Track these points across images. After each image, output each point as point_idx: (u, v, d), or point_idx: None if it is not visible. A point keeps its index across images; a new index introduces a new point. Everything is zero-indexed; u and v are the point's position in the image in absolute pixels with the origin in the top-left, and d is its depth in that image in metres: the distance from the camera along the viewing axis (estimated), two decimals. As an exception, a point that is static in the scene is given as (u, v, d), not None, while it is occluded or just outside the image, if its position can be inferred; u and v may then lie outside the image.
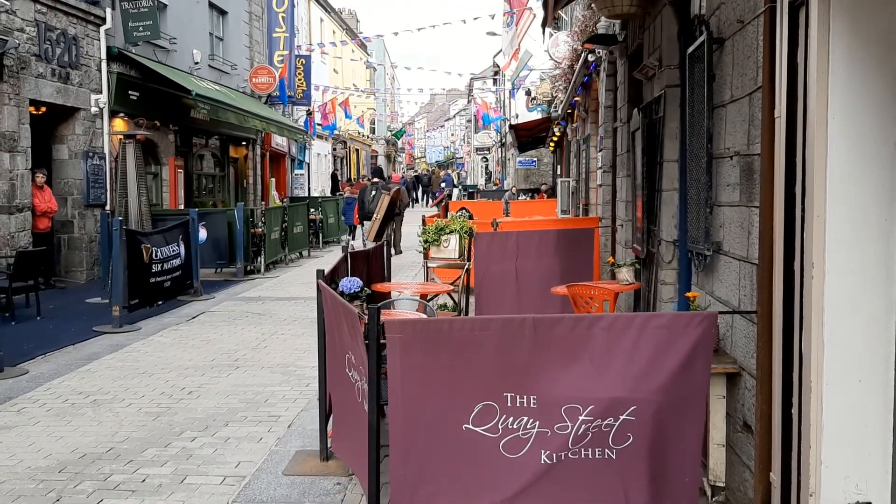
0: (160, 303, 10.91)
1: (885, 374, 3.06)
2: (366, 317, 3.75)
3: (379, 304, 4.63)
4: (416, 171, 62.67)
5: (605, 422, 3.42)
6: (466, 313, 8.67)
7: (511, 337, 3.47)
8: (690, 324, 3.44)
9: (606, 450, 3.45)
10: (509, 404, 3.46)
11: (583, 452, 3.45)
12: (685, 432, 3.50)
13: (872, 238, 3.02)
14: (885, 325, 3.05)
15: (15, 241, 11.67)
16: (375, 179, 17.66)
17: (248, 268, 14.88)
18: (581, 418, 3.40)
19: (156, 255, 10.66)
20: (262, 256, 15.21)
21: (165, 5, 16.91)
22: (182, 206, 17.42)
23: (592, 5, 8.74)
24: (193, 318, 10.54)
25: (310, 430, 5.67)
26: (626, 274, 6.98)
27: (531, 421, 3.45)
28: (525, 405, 3.46)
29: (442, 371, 3.50)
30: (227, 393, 6.82)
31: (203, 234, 12.86)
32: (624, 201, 8.80)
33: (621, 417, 3.41)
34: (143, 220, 12.16)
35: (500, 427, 3.47)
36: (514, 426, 3.46)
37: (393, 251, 13.75)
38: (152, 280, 10.59)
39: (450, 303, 8.87)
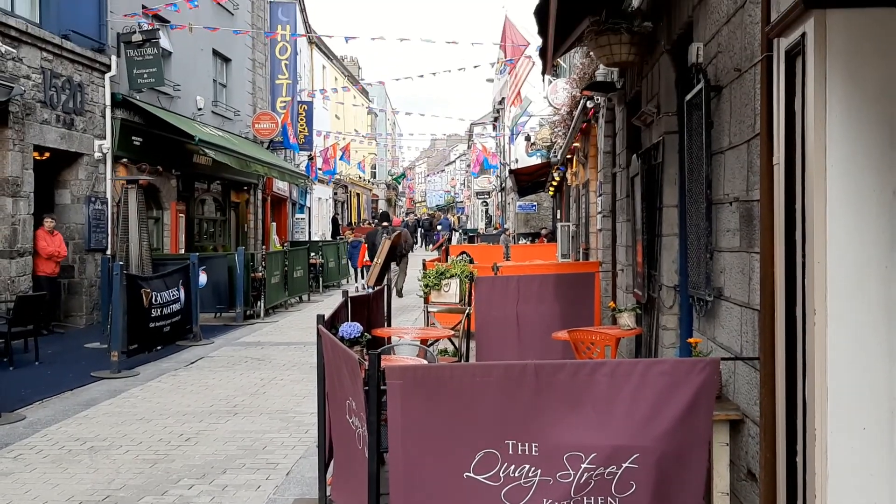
0: (159, 348, 10.87)
1: (889, 421, 3.04)
2: (366, 363, 3.73)
3: (379, 350, 4.61)
4: (415, 215, 62.85)
5: (608, 470, 3.37)
6: (467, 358, 8.63)
7: (513, 383, 3.45)
8: (693, 370, 3.42)
9: (609, 498, 3.40)
10: (511, 452, 3.42)
11: (585, 501, 3.40)
12: (688, 480, 3.46)
13: (873, 284, 3.02)
14: (889, 372, 3.03)
15: (15, 286, 11.67)
16: (385, 223, 18.01)
17: (248, 312, 14.86)
18: (583, 466, 3.36)
19: (155, 300, 10.64)
20: (262, 301, 15.19)
21: (170, 53, 17.16)
22: (183, 251, 17.45)
23: (591, 53, 8.86)
24: (192, 363, 10.49)
25: (308, 477, 5.61)
26: (627, 319, 6.95)
27: (533, 469, 3.40)
28: (527, 453, 3.42)
29: (443, 418, 3.47)
30: (226, 440, 6.76)
31: (203, 278, 12.86)
32: (624, 246, 8.81)
33: (624, 465, 3.37)
34: (143, 265, 12.16)
35: (501, 475, 3.43)
36: (516, 474, 3.42)
37: (395, 294, 13.75)
38: (151, 325, 10.56)
39: (450, 348, 8.83)
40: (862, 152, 3.01)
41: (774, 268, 3.47)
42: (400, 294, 16.18)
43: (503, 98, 26.45)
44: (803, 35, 3.10)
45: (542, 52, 7.85)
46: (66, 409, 7.90)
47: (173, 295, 11.20)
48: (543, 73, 8.79)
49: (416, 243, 38.29)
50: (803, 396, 3.17)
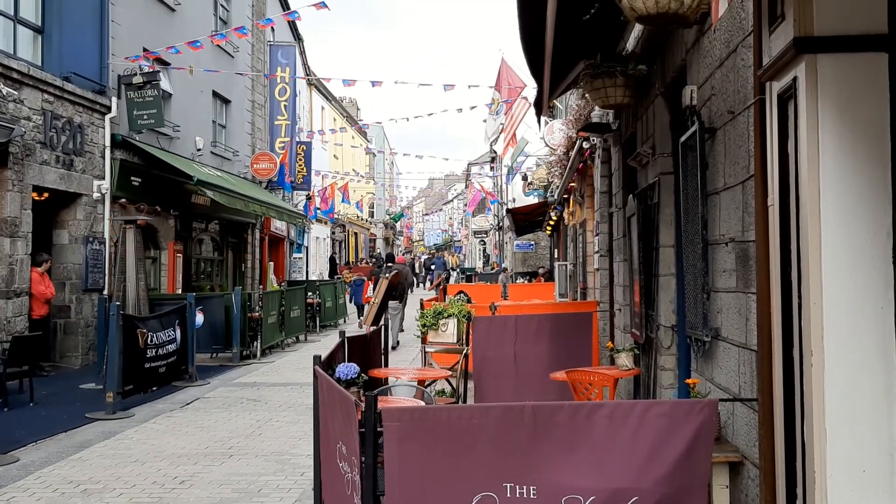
0: (154, 388, 10.78)
1: (889, 463, 3.02)
2: (363, 404, 3.70)
3: (376, 391, 4.58)
4: (412, 255, 62.93)
5: (607, 513, 3.34)
6: (465, 399, 8.57)
7: (511, 425, 3.42)
8: (691, 412, 3.40)
9: (608, 542, 3.36)
10: (509, 495, 3.39)
11: (585, 545, 3.36)
12: (688, 523, 3.41)
13: (869, 325, 3.03)
14: (888, 414, 3.02)
15: (11, 326, 11.62)
16: (390, 263, 18.56)
17: (245, 353, 14.78)
18: (582, 510, 3.33)
19: (151, 341, 10.60)
20: (259, 341, 15.12)
21: (170, 94, 17.32)
22: (180, 291, 17.41)
23: (586, 95, 8.96)
24: (188, 404, 10.40)
25: (304, 521, 5.53)
26: (625, 359, 6.94)
27: (531, 512, 3.37)
28: (525, 496, 3.38)
29: (440, 461, 3.44)
30: (220, 482, 6.68)
31: (200, 318, 12.81)
32: (621, 286, 8.82)
33: (623, 509, 3.34)
34: (140, 305, 12.13)
35: (499, 519, 3.39)
36: (514, 518, 3.38)
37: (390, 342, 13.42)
38: (147, 365, 10.50)
39: (448, 389, 8.78)
40: (855, 194, 3.04)
41: (771, 308, 3.48)
42: (395, 346, 15.39)
43: (499, 138, 26.69)
44: (795, 79, 3.15)
45: (538, 101, 7.95)
46: (60, 451, 7.81)
47: (169, 335, 11.15)
48: (539, 114, 8.86)
49: (415, 283, 38.25)
50: (802, 438, 3.16)
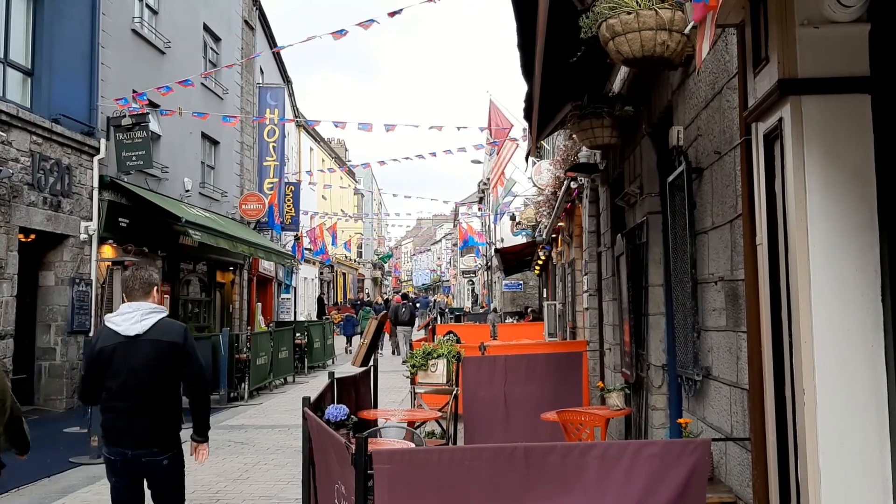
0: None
1: (883, 501, 3.00)
2: (353, 447, 3.66)
3: (366, 433, 4.53)
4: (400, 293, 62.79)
5: (601, 557, 3.29)
6: (455, 441, 8.49)
7: (502, 466, 3.39)
8: (684, 452, 3.38)
9: (603, 587, 3.31)
10: (501, 538, 3.34)
11: (578, 590, 3.31)
12: (683, 567, 3.37)
13: (861, 363, 3.03)
14: (880, 453, 3.01)
15: (-5, 369, 11.47)
16: (405, 301, 21.65)
17: (232, 394, 14.61)
18: (575, 553, 3.28)
19: (138, 383, 10.45)
20: (246, 383, 14.97)
21: (159, 136, 17.37)
22: (167, 332, 17.24)
23: (574, 136, 9.05)
24: (174, 447, 10.24)
25: (293, 567, 5.42)
26: (616, 399, 6.90)
27: (524, 556, 3.32)
28: (518, 539, 3.33)
29: (431, 503, 3.40)
30: (207, 528, 6.55)
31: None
32: (611, 325, 8.82)
33: (617, 552, 3.29)
34: (126, 347, 12.00)
35: (491, 563, 3.33)
36: (507, 562, 3.33)
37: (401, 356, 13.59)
38: (133, 408, 10.34)
39: (438, 430, 8.70)
40: (843, 232, 3.06)
41: (762, 347, 3.48)
42: (405, 361, 15.76)
43: (488, 178, 26.88)
44: (780, 120, 3.19)
45: (528, 136, 8.03)
46: (42, 497, 7.66)
47: (156, 377, 11.01)
48: (527, 157, 8.95)
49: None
50: (797, 477, 3.14)
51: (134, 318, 4.66)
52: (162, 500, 4.98)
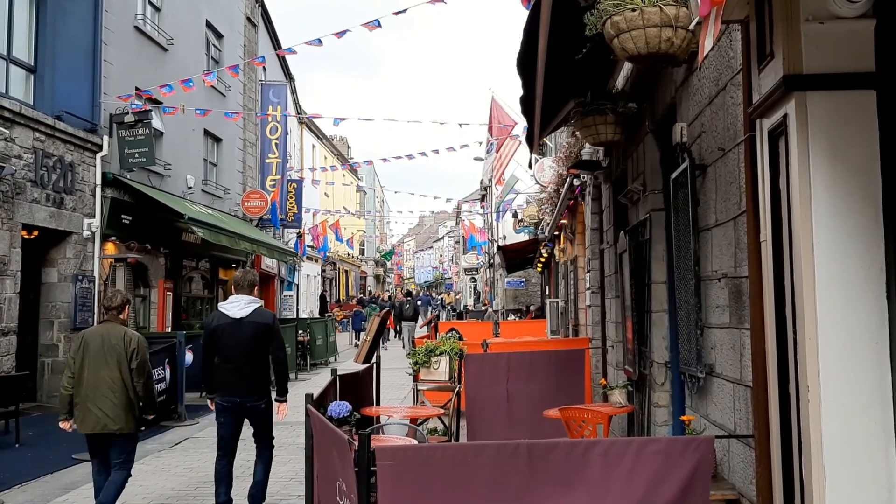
0: (143, 428, 10.62)
1: (888, 499, 2.99)
2: (355, 443, 3.66)
3: (368, 430, 4.53)
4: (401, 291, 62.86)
5: (604, 554, 3.28)
6: (457, 438, 8.49)
7: (505, 464, 3.38)
8: (687, 449, 3.37)
9: (606, 584, 3.30)
10: (504, 534, 3.33)
11: (581, 587, 3.30)
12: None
13: (865, 361, 3.02)
14: (885, 450, 3.00)
15: (-2, 366, 11.50)
16: (409, 297, 22.71)
17: (235, 391, 14.60)
18: (579, 550, 3.28)
19: (141, 380, 10.46)
20: (249, 379, 14.95)
21: (162, 133, 17.37)
22: (170, 329, 17.29)
23: (576, 133, 9.04)
24: (176, 444, 10.26)
25: (295, 564, 5.43)
26: (618, 396, 6.89)
27: (527, 553, 3.31)
28: (520, 536, 3.33)
29: (434, 500, 3.39)
30: (210, 524, 6.56)
31: (190, 357, 12.69)
32: (614, 322, 8.80)
33: (620, 549, 3.29)
34: (129, 344, 12.01)
35: (494, 560, 3.33)
36: (510, 558, 3.32)
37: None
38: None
39: (440, 427, 8.70)
40: (848, 229, 3.05)
41: (766, 344, 3.47)
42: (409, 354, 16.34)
43: (491, 176, 26.91)
44: (785, 116, 3.18)
45: (528, 137, 8.02)
46: (45, 494, 7.67)
47: (158, 374, 11.03)
48: (531, 152, 8.94)
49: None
50: (801, 475, 3.13)
51: (239, 305, 6.49)
52: (260, 432, 6.84)
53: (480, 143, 20.89)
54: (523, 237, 26.32)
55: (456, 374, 8.76)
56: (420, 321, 26.44)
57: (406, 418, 7.38)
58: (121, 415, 6.14)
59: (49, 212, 13.10)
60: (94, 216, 14.39)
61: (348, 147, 53.97)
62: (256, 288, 6.68)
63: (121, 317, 6.54)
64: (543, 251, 21.86)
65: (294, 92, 30.89)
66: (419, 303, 39.18)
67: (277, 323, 6.73)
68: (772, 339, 3.38)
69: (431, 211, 74.56)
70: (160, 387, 11.04)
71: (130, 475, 6.42)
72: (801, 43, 3.08)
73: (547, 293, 25.42)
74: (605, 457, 3.38)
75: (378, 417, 7.52)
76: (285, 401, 6.82)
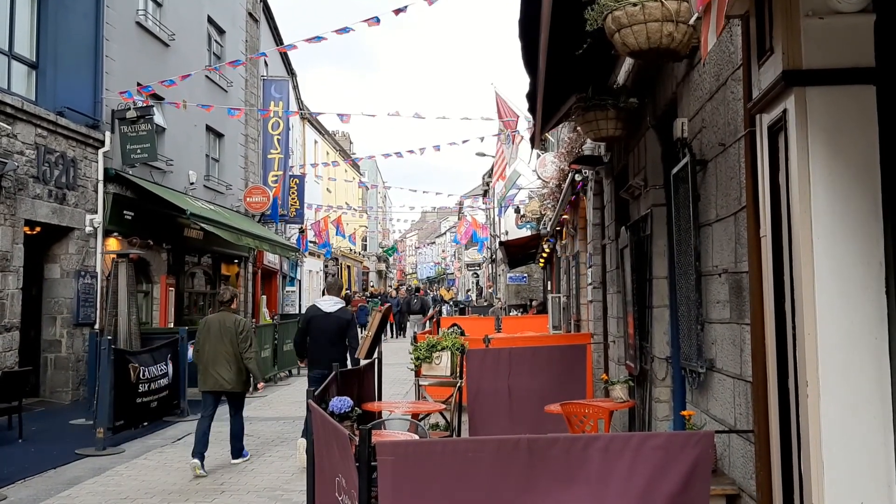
0: (146, 424, 10.67)
1: (888, 494, 3.00)
2: (356, 438, 3.67)
3: (370, 425, 4.54)
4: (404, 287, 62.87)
5: (604, 549, 3.29)
6: (459, 433, 8.50)
7: (506, 459, 3.39)
8: (687, 444, 3.38)
9: (606, 579, 3.31)
10: (504, 529, 3.34)
11: (581, 581, 3.31)
12: (686, 559, 3.37)
13: (864, 356, 3.03)
14: (885, 444, 3.01)
15: (1, 361, 11.52)
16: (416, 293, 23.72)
17: (237, 387, 14.64)
18: (579, 545, 3.28)
19: (143, 375, 10.51)
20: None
21: (164, 129, 17.38)
22: (172, 325, 17.31)
23: (578, 128, 9.03)
24: (179, 439, 10.29)
25: (297, 558, 5.45)
26: (619, 391, 6.91)
27: (527, 548, 3.32)
28: (521, 530, 3.33)
29: (435, 495, 3.40)
30: (212, 519, 6.59)
31: (192, 352, 12.70)
32: (615, 317, 8.81)
33: (620, 544, 3.30)
34: (132, 339, 12.05)
35: (494, 554, 3.34)
36: (510, 553, 3.33)
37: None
38: (139, 400, 10.40)
39: (442, 422, 8.71)
40: (847, 224, 3.05)
41: (766, 339, 3.47)
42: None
43: (493, 171, 26.90)
44: (785, 111, 3.18)
45: (532, 139, 8.02)
46: (48, 489, 7.70)
47: (161, 369, 11.07)
48: (532, 148, 8.95)
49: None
50: (800, 470, 3.14)
51: (330, 303, 9.12)
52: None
53: (482, 138, 20.87)
54: (525, 232, 26.33)
55: (458, 370, 8.77)
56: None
57: (407, 413, 7.40)
58: (233, 378, 8.50)
59: (51, 208, 13.12)
60: (96, 212, 14.41)
61: (350, 143, 53.94)
62: (342, 290, 9.51)
63: (232, 307, 8.94)
64: (545, 246, 21.87)
65: (296, 87, 30.87)
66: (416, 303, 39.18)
67: (354, 319, 9.34)
68: (771, 335, 3.39)
69: (433, 207, 74.50)
70: (163, 382, 11.07)
71: (244, 417, 8.99)
72: (800, 38, 3.08)
73: (549, 288, 25.43)
74: (606, 452, 3.39)
75: (380, 413, 7.53)
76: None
